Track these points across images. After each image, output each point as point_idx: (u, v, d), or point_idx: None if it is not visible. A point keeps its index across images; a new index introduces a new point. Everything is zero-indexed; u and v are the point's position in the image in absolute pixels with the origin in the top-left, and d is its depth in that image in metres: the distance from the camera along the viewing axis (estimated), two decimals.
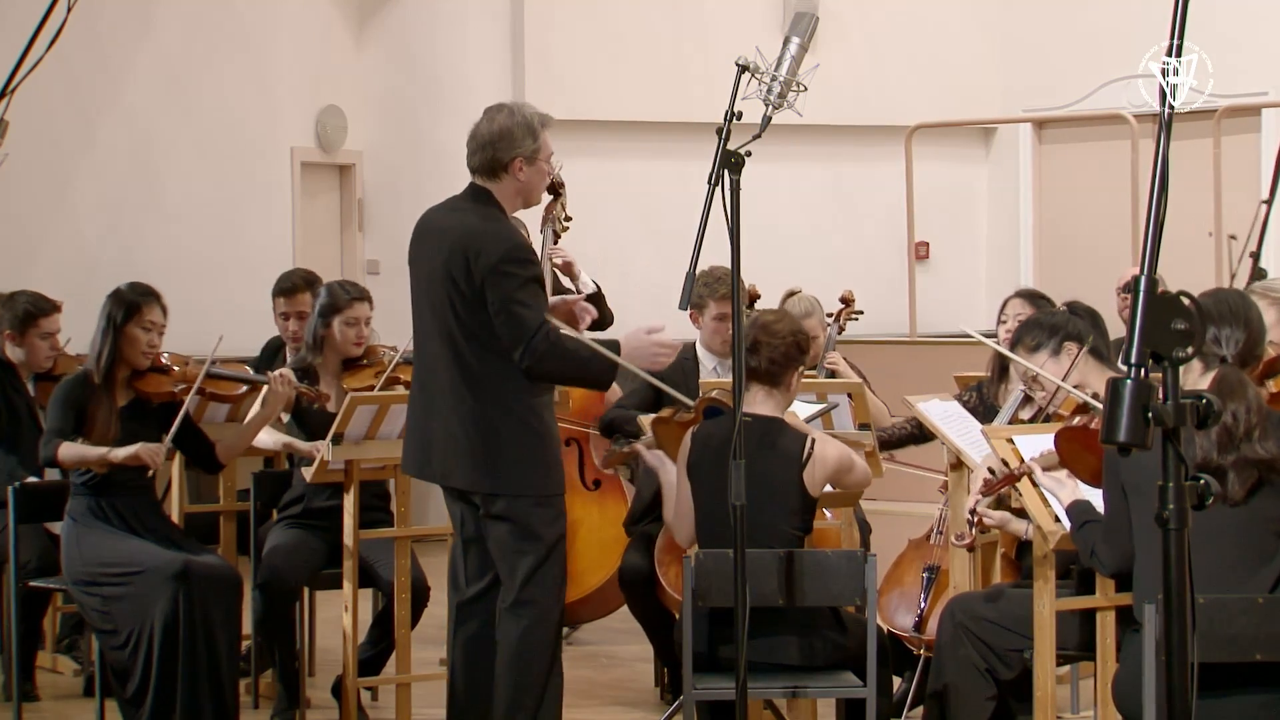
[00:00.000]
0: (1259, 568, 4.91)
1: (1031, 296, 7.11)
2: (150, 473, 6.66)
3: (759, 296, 7.68)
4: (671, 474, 6.08)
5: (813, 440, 5.81)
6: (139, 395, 6.72)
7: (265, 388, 6.89)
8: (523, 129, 5.79)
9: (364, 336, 7.31)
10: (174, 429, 6.65)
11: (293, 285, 7.95)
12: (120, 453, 6.55)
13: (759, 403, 5.79)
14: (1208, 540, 4.74)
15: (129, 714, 6.57)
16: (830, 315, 7.77)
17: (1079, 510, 5.28)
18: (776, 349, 5.80)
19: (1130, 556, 5.08)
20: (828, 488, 6.28)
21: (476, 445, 5.70)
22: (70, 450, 6.56)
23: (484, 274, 5.64)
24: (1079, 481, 5.34)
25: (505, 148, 5.77)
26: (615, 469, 7.66)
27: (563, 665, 5.90)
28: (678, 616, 7.00)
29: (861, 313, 7.88)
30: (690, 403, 6.13)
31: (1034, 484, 5.51)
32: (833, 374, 7.57)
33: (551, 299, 5.97)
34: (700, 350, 7.60)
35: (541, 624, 5.75)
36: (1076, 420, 5.42)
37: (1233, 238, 7.67)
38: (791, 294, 7.69)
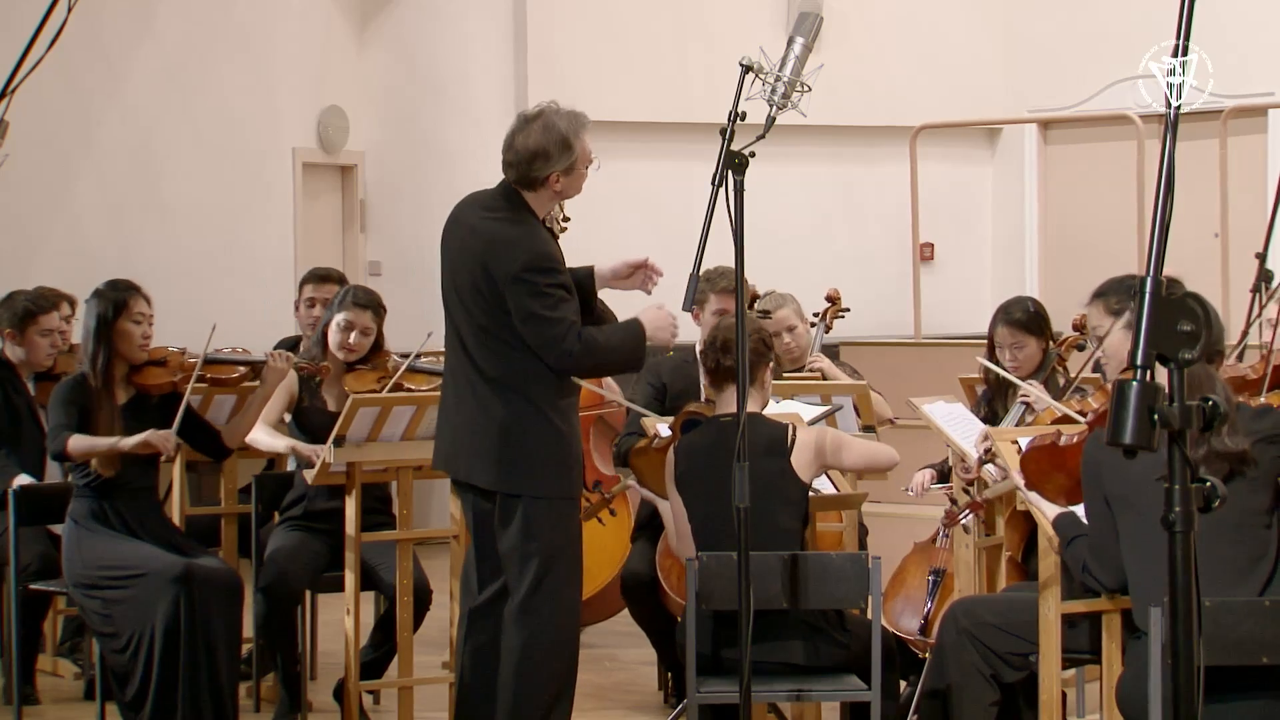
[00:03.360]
0: (1253, 565, 4.89)
1: (1019, 322, 6.88)
2: (165, 457, 6.63)
3: (759, 296, 7.64)
4: (666, 506, 6.10)
5: (792, 427, 5.86)
6: (139, 390, 6.70)
7: (264, 366, 6.89)
8: (558, 146, 5.76)
9: (353, 344, 7.23)
10: (178, 418, 6.62)
11: (326, 274, 8.29)
12: (129, 441, 6.54)
13: (735, 402, 5.75)
14: (1201, 539, 4.71)
15: (129, 717, 6.55)
16: (816, 315, 7.71)
17: (1066, 524, 5.24)
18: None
19: (1124, 571, 5.05)
20: (828, 485, 6.27)
21: (503, 445, 5.71)
22: (79, 441, 6.53)
23: (505, 282, 5.66)
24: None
25: (540, 166, 5.76)
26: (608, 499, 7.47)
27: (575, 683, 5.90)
28: (680, 620, 6.99)
29: (848, 310, 7.80)
30: (664, 420, 6.17)
31: (981, 519, 5.53)
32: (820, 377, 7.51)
33: (613, 265, 5.97)
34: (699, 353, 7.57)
35: (546, 635, 5.73)
36: (1036, 441, 5.37)
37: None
38: (767, 294, 7.63)
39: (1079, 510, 5.23)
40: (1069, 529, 5.22)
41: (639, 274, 5.97)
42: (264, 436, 7.08)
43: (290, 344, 8.07)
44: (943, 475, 7.03)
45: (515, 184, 5.82)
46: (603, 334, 5.80)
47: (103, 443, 6.55)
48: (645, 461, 6.23)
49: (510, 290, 5.65)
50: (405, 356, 7.16)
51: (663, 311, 5.92)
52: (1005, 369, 6.82)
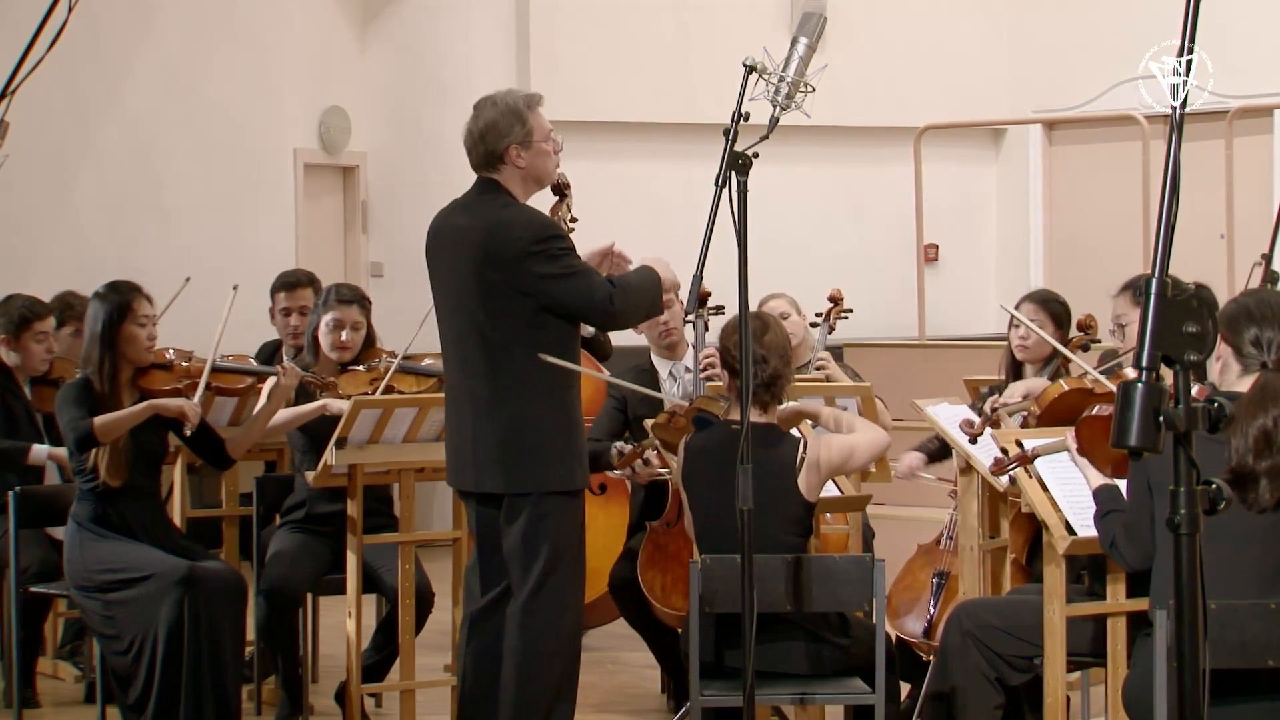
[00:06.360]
0: None
1: (1044, 301, 6.97)
2: (188, 428, 6.58)
3: (709, 294, 7.54)
4: None
5: (804, 443, 5.79)
6: (144, 394, 6.66)
7: (270, 379, 6.86)
8: (509, 117, 5.80)
9: (345, 341, 7.19)
10: (200, 389, 6.63)
11: (295, 280, 8.09)
12: (170, 402, 6.53)
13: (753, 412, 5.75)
14: (1235, 546, 4.69)
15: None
16: (819, 315, 7.70)
17: (1106, 496, 5.23)
18: (780, 368, 5.84)
19: (1152, 555, 5.03)
20: (831, 488, 6.24)
21: (507, 446, 5.69)
22: (104, 419, 6.48)
23: (517, 260, 5.64)
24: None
25: (494, 139, 5.78)
26: (632, 469, 7.44)
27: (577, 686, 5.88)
28: (675, 629, 6.97)
29: (850, 311, 7.79)
30: (681, 403, 6.12)
31: (1030, 475, 5.47)
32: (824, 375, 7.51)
33: (583, 256, 5.96)
34: (654, 359, 7.55)
35: (548, 636, 5.71)
36: (1097, 410, 5.38)
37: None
38: (771, 297, 7.61)
39: (1122, 485, 5.21)
40: (1108, 502, 5.20)
41: (606, 262, 5.97)
42: (285, 417, 6.99)
43: (271, 350, 8.04)
44: (931, 456, 7.03)
45: (481, 168, 5.83)
46: (630, 275, 5.85)
47: (128, 413, 6.52)
48: (666, 434, 6.19)
49: (524, 266, 5.63)
50: (404, 358, 7.12)
51: (660, 257, 6.00)
52: (1014, 350, 6.85)
